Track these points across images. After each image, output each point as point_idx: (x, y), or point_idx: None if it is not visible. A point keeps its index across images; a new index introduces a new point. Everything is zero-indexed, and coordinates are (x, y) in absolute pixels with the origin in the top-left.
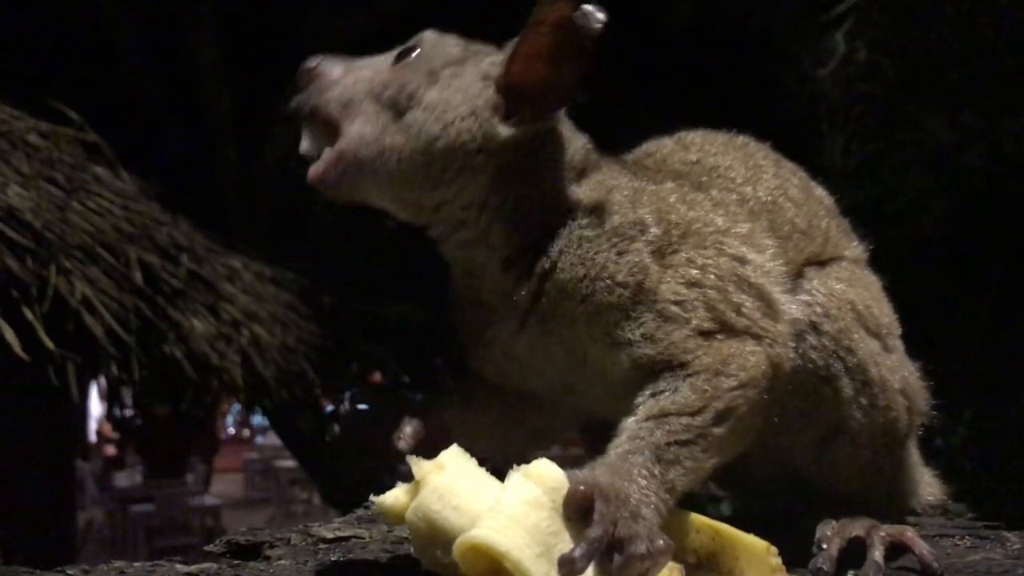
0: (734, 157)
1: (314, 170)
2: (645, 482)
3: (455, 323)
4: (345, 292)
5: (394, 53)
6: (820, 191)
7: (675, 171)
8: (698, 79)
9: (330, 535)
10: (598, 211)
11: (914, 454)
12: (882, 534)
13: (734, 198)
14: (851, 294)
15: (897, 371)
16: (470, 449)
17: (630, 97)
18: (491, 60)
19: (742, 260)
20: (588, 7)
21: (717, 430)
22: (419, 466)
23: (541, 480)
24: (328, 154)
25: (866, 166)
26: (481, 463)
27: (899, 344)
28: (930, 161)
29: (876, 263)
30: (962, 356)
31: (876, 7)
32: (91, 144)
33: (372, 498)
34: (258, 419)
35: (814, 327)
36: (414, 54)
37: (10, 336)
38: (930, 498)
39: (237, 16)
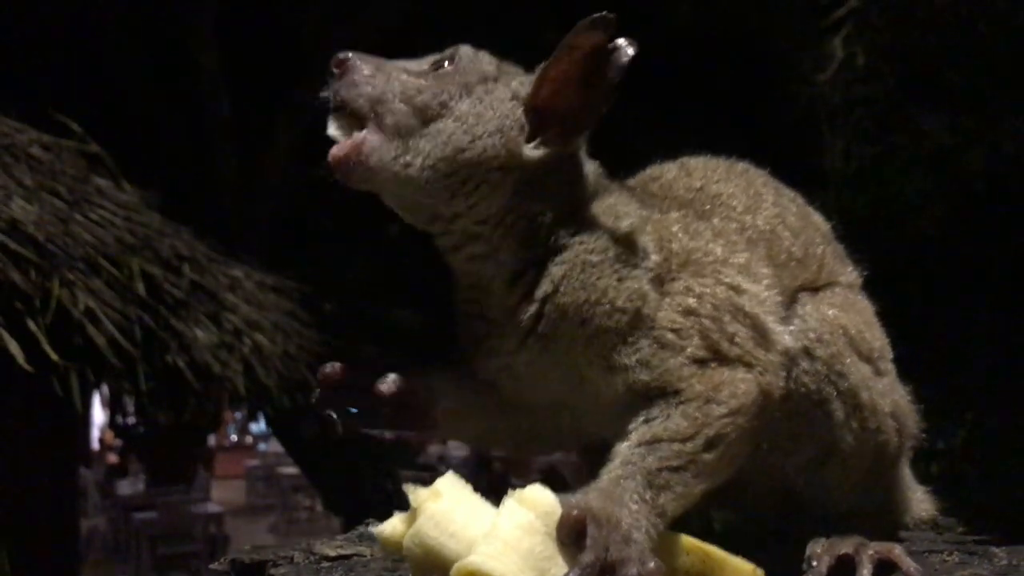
0: (736, 185)
1: (337, 149)
2: (636, 507)
3: (457, 333)
4: (346, 299)
5: (426, 60)
6: (817, 217)
7: (680, 198)
8: (701, 84)
9: (332, 553)
10: (605, 237)
11: (906, 473)
12: (870, 552)
13: (734, 227)
14: (844, 319)
15: (888, 395)
16: (454, 431)
17: (632, 102)
18: (521, 80)
19: (738, 290)
20: (623, 40)
21: (707, 456)
22: (416, 494)
23: (534, 505)
24: (356, 136)
25: (867, 169)
26: (476, 489)
27: (891, 368)
28: (931, 163)
29: (877, 266)
30: (964, 358)
31: (874, 11)
32: (93, 155)
33: (371, 528)
34: (256, 427)
35: (807, 352)
36: (451, 65)
37: (14, 348)
38: (923, 514)
39: (237, 24)
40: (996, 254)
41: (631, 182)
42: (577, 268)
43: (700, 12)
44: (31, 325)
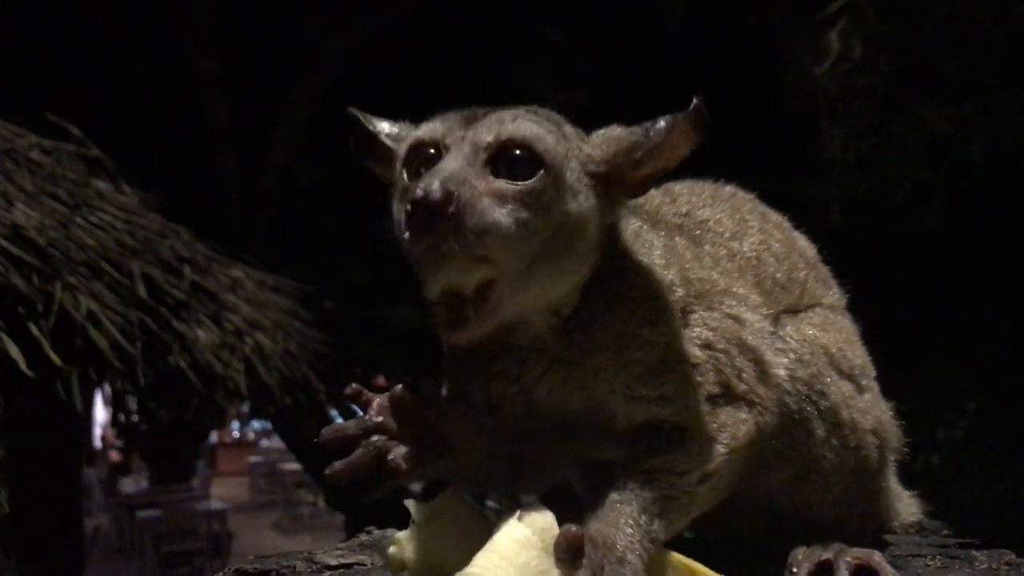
0: (721, 210)
1: (464, 336)
2: (631, 531)
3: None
4: (347, 297)
5: (473, 152)
6: (802, 242)
7: (670, 224)
8: (700, 80)
9: (333, 562)
10: (643, 272)
11: (891, 483)
12: (848, 558)
13: (724, 253)
14: (824, 339)
15: (869, 412)
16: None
17: (632, 97)
18: (583, 155)
19: (740, 321)
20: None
21: (701, 488)
22: (418, 509)
23: (532, 522)
24: (480, 314)
25: (866, 160)
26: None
27: (873, 385)
28: (930, 154)
29: (879, 257)
30: (966, 348)
31: (869, 3)
32: (93, 159)
33: (373, 537)
34: (258, 423)
35: (789, 373)
36: (535, 177)
37: (15, 353)
38: (910, 518)
39: (236, 28)
40: (997, 244)
41: None
42: (618, 301)
43: (697, 9)
44: (33, 329)
